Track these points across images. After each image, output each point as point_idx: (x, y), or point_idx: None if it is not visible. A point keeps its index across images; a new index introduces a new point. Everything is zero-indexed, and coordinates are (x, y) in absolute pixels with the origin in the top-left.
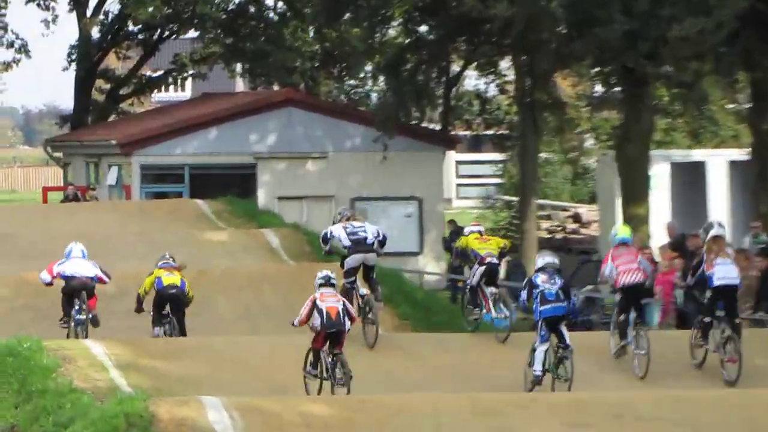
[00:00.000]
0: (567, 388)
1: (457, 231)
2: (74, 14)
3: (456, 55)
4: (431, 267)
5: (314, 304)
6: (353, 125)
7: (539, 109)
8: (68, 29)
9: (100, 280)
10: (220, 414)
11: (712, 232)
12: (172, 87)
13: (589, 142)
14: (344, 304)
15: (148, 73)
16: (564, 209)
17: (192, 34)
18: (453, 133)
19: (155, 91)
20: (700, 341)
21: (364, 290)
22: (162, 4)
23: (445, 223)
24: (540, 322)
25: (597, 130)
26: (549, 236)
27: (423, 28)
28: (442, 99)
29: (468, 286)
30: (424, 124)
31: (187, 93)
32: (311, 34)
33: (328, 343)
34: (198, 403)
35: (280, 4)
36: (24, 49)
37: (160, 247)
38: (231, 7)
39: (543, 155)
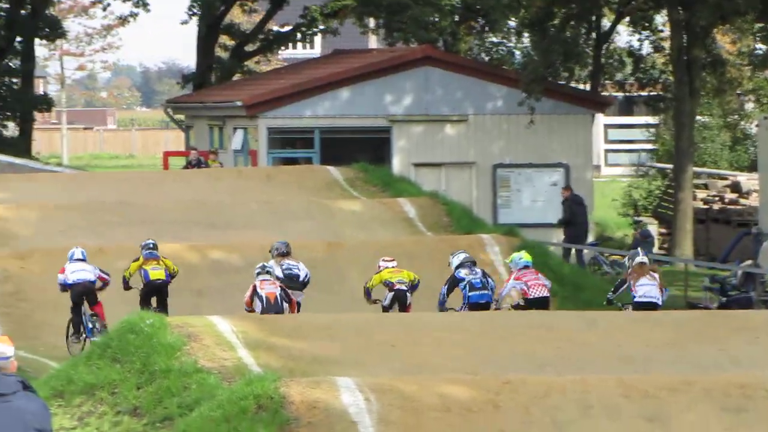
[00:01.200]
0: None
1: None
2: None
3: (607, 9)
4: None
5: (254, 291)
6: (495, 86)
7: (697, 68)
8: None
9: (101, 280)
10: (354, 396)
11: (637, 260)
12: (300, 44)
13: (750, 104)
14: (282, 290)
15: (276, 28)
16: (722, 177)
17: None
18: (603, 94)
19: (282, 48)
20: None
21: None
22: None
23: (583, 192)
24: (465, 306)
25: (759, 91)
26: (705, 207)
27: None
28: (591, 57)
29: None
30: (571, 85)
31: (316, 50)
32: None
33: None
34: (331, 384)
35: None
36: (142, 3)
37: (285, 217)
38: None
39: (700, 119)
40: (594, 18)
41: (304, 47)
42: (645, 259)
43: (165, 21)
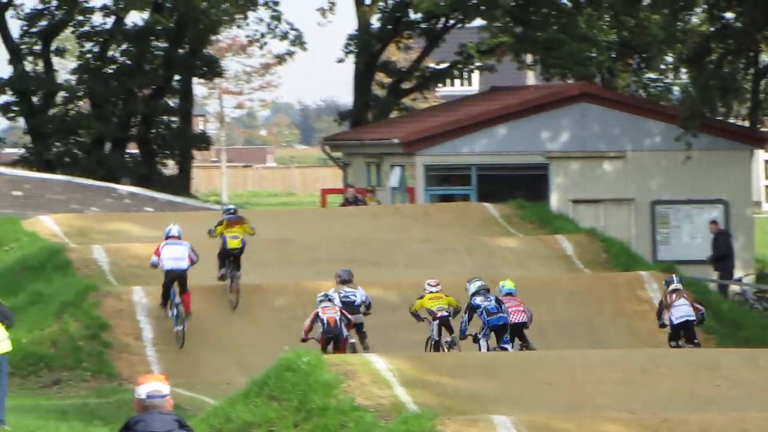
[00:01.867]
0: None
1: None
2: (352, 2)
3: (765, 44)
4: (739, 276)
5: (316, 316)
6: (653, 122)
7: None
8: (346, 19)
9: (190, 260)
10: None
11: (672, 286)
12: (458, 80)
13: None
14: (341, 314)
15: (432, 65)
16: None
17: (479, 22)
18: (762, 130)
19: (440, 84)
20: None
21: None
22: None
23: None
24: (486, 328)
25: None
26: None
27: (729, 15)
28: (750, 93)
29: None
30: (730, 121)
31: (474, 87)
32: (607, 21)
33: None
34: (488, 422)
35: None
36: (299, 41)
37: (443, 254)
38: None
39: None
40: (752, 53)
41: (462, 84)
42: (679, 286)
43: (324, 59)
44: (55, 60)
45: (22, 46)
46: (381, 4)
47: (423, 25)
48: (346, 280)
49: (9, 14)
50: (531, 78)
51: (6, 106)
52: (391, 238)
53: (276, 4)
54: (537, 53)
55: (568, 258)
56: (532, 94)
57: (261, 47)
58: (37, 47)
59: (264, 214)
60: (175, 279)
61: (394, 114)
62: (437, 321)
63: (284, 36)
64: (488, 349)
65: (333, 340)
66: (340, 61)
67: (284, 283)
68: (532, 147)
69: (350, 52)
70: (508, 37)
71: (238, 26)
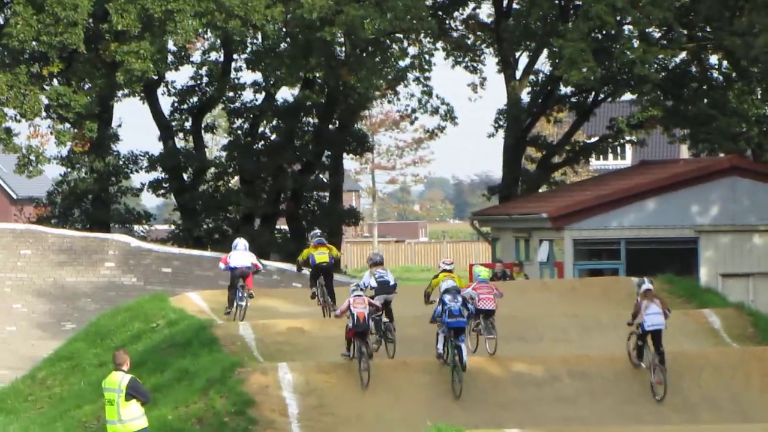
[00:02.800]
0: (459, 387)
1: None
2: (502, 76)
3: None
4: None
5: (349, 307)
6: None
7: None
8: (497, 93)
9: (255, 266)
10: None
11: (644, 287)
12: (611, 154)
13: None
14: (369, 306)
15: (583, 139)
16: None
17: (629, 96)
18: None
19: (591, 158)
20: (636, 360)
21: (385, 318)
22: (596, 65)
23: None
24: (446, 327)
25: None
26: None
27: None
28: None
29: None
30: None
31: (627, 160)
32: (758, 96)
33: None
34: None
35: (724, 63)
36: (450, 116)
37: (592, 329)
38: (671, 67)
39: None
40: None
41: (615, 158)
42: (650, 287)
43: (477, 133)
44: (206, 136)
45: (173, 123)
46: (531, 78)
47: (573, 99)
48: (377, 262)
49: (160, 91)
50: (684, 151)
51: (157, 183)
52: (537, 312)
53: (427, 79)
54: (687, 127)
55: (715, 332)
56: (681, 167)
57: (412, 122)
58: (188, 124)
59: (414, 289)
60: (240, 276)
61: (543, 188)
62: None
63: (435, 111)
64: (444, 343)
65: (360, 333)
66: (491, 135)
67: (428, 360)
68: (681, 221)
69: (500, 126)
70: (658, 110)
71: (389, 101)
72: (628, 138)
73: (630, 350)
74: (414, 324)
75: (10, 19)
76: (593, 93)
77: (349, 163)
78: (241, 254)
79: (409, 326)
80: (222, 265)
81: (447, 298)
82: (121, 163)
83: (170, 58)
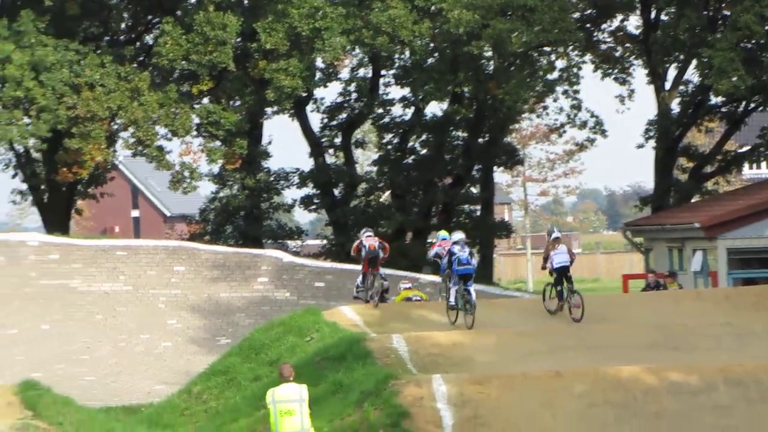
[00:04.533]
0: (471, 319)
1: None
2: (651, 88)
3: None
4: None
5: (361, 242)
6: None
7: None
8: (646, 104)
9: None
10: None
11: (554, 236)
12: (764, 163)
13: None
14: (379, 242)
15: (734, 148)
16: None
17: None
18: None
19: (744, 167)
20: (554, 306)
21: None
22: (746, 74)
23: None
24: (455, 276)
25: None
26: None
27: None
28: None
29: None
30: None
31: None
32: None
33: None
34: None
35: None
36: (599, 128)
37: (746, 338)
38: None
39: None
40: None
41: None
42: (559, 235)
43: (629, 144)
44: (356, 152)
45: (323, 139)
46: (681, 88)
47: (723, 109)
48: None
49: (309, 108)
50: None
51: (308, 198)
52: (691, 322)
53: (575, 92)
54: None
55: None
56: None
57: (561, 135)
58: (338, 140)
59: None
60: (372, 257)
61: (696, 198)
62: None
63: (584, 124)
64: (456, 293)
65: (372, 259)
66: (640, 146)
67: (583, 370)
68: None
69: (650, 137)
70: None
71: (538, 115)
72: None
73: (547, 299)
74: (568, 332)
75: (160, 38)
76: (744, 102)
77: (500, 176)
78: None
79: (563, 334)
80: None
81: (456, 248)
82: (272, 179)
83: (318, 75)
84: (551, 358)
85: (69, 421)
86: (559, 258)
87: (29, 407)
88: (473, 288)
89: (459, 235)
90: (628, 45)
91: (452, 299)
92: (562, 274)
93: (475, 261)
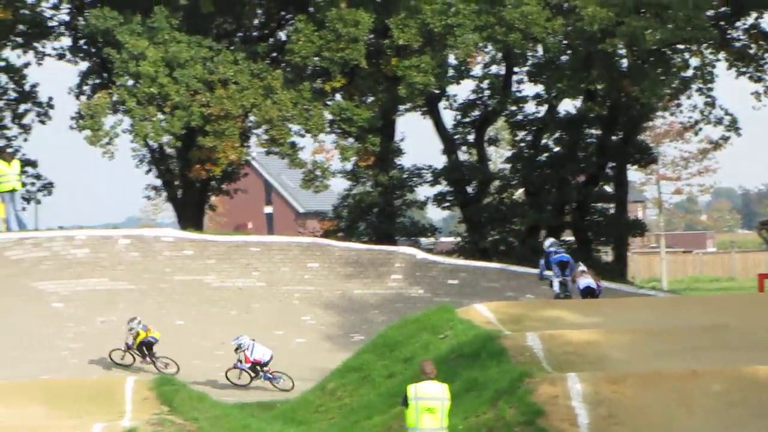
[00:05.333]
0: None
1: None
2: None
3: None
4: None
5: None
6: None
7: None
8: None
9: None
10: None
11: (580, 269)
12: None
13: None
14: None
15: None
16: None
17: None
18: None
19: None
20: None
21: None
22: None
23: None
24: (555, 267)
25: None
26: None
27: None
28: None
29: None
30: None
31: None
32: None
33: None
34: None
35: None
36: (733, 126)
37: None
38: None
39: None
40: None
41: None
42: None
43: (764, 142)
44: (489, 149)
45: (456, 136)
46: None
47: None
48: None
49: (442, 105)
50: None
51: (441, 195)
52: None
53: (710, 90)
54: None
55: None
56: None
57: (696, 133)
58: (471, 137)
59: (700, 299)
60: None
61: None
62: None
63: (719, 122)
64: (558, 284)
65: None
66: None
67: (720, 369)
68: None
69: None
70: None
71: (671, 113)
72: None
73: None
74: (702, 331)
75: (292, 36)
76: None
77: (634, 174)
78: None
79: (698, 334)
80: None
81: (551, 249)
82: (405, 176)
83: (451, 72)
84: (686, 357)
85: (204, 416)
86: (584, 281)
87: (165, 402)
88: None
89: (550, 240)
90: (762, 42)
91: (556, 288)
92: (588, 294)
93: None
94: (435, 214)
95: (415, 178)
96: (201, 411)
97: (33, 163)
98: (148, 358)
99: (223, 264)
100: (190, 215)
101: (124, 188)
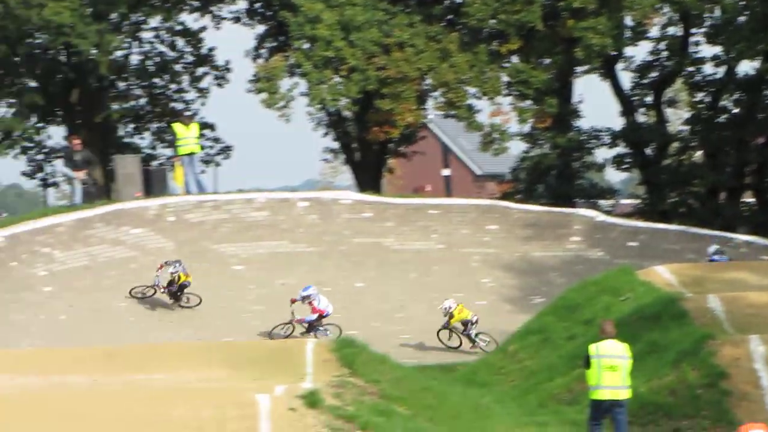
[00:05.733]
0: None
1: None
2: None
3: None
4: None
5: None
6: None
7: None
8: None
9: None
10: None
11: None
12: None
13: None
14: None
15: None
16: None
17: None
18: None
19: None
20: None
21: None
22: None
23: None
24: None
25: None
26: None
27: None
28: None
29: None
30: None
31: None
32: None
33: None
34: None
35: None
36: None
37: None
38: None
39: None
40: None
41: None
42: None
43: None
44: (668, 111)
45: (634, 98)
46: None
47: None
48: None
49: (620, 66)
50: None
51: (620, 157)
52: None
53: None
54: None
55: None
56: None
57: None
58: (649, 98)
59: None
60: None
61: None
62: None
63: None
64: None
65: None
66: None
67: None
68: None
69: None
70: None
71: None
72: None
73: None
74: None
75: None
76: None
77: None
78: None
79: None
80: None
81: (716, 257)
82: (582, 138)
83: (628, 33)
84: None
85: (385, 378)
86: None
87: (346, 365)
88: None
89: (714, 247)
90: None
91: None
92: None
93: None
94: (613, 176)
95: (593, 140)
96: (381, 373)
97: (211, 126)
98: (178, 295)
99: (402, 226)
100: (368, 178)
101: (302, 151)
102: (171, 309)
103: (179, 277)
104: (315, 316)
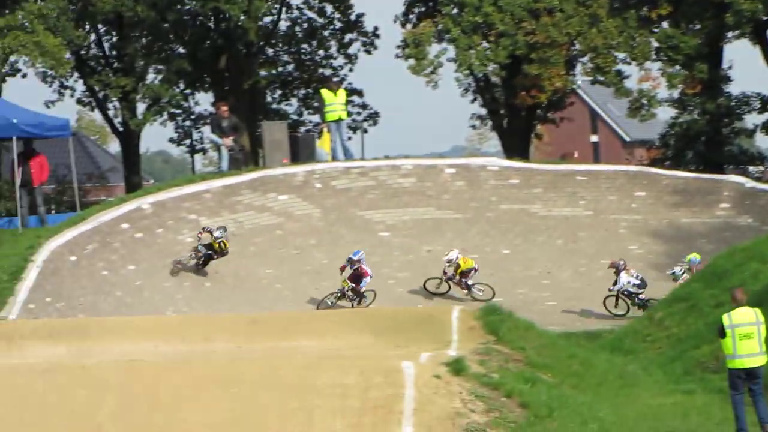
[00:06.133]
0: None
1: None
2: None
3: None
4: None
5: None
6: None
7: None
8: None
9: None
10: None
11: None
12: None
13: None
14: None
15: None
16: None
17: None
18: None
19: None
20: None
21: None
22: None
23: None
24: None
25: None
26: None
27: None
28: None
29: None
30: None
31: None
32: None
33: None
34: None
35: None
36: None
37: None
38: None
39: None
40: None
41: None
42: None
43: None
44: None
45: None
46: None
47: None
48: None
49: None
50: None
51: None
52: None
53: None
54: None
55: None
56: None
57: None
58: None
59: None
60: None
61: None
62: None
63: None
64: None
65: None
66: None
67: None
68: None
69: None
70: None
71: None
72: None
73: None
74: None
75: None
76: None
77: None
78: None
79: None
80: None
81: None
82: (733, 104)
83: None
84: None
85: (531, 345)
86: None
87: (491, 332)
88: None
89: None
90: None
91: None
92: None
93: None
94: (764, 142)
95: (743, 106)
96: (527, 340)
97: (359, 93)
98: (209, 261)
99: (549, 193)
100: (516, 144)
101: (449, 117)
102: (319, 274)
103: (224, 244)
104: (368, 279)
